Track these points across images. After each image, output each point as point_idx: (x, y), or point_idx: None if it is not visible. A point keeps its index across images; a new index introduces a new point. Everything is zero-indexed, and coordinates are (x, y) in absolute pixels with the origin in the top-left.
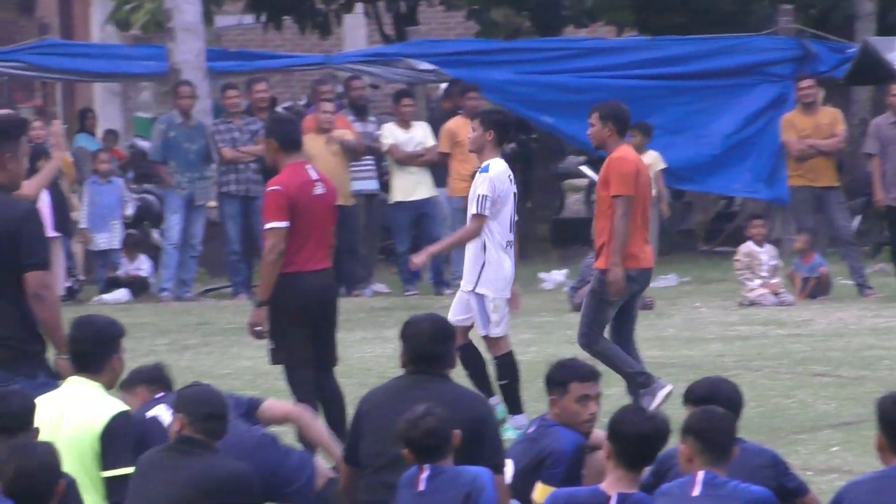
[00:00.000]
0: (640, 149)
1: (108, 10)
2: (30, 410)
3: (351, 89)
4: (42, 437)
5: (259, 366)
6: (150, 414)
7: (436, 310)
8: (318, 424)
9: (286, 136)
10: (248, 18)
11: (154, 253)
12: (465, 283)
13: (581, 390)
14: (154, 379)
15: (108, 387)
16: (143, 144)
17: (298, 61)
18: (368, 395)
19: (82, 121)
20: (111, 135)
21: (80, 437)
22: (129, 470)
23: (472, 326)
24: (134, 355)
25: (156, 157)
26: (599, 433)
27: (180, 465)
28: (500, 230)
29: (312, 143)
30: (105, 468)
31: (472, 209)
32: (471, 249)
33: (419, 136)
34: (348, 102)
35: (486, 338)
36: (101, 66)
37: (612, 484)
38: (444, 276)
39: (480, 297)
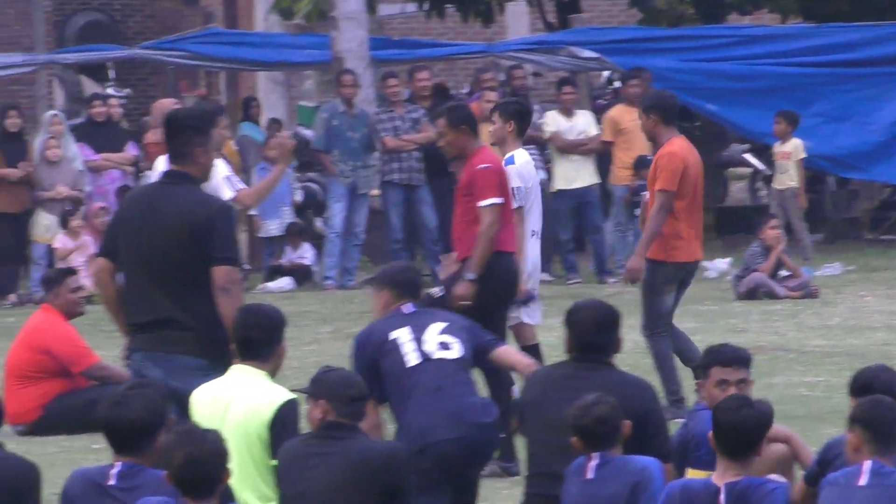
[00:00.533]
0: (785, 136)
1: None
2: (164, 400)
3: (513, 78)
4: (208, 424)
5: None
6: (392, 335)
7: (599, 298)
8: None
9: (468, 120)
10: (411, 7)
11: (317, 241)
12: None
13: (720, 375)
14: (402, 285)
15: (272, 375)
16: (307, 133)
17: (461, 49)
18: (532, 381)
19: (246, 110)
20: (275, 123)
21: (247, 425)
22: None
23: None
24: (297, 343)
25: (319, 145)
26: (779, 428)
27: (332, 451)
28: (526, 220)
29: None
30: (273, 456)
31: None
32: None
33: (581, 124)
34: (510, 91)
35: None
36: (265, 55)
37: (720, 475)
38: (607, 264)
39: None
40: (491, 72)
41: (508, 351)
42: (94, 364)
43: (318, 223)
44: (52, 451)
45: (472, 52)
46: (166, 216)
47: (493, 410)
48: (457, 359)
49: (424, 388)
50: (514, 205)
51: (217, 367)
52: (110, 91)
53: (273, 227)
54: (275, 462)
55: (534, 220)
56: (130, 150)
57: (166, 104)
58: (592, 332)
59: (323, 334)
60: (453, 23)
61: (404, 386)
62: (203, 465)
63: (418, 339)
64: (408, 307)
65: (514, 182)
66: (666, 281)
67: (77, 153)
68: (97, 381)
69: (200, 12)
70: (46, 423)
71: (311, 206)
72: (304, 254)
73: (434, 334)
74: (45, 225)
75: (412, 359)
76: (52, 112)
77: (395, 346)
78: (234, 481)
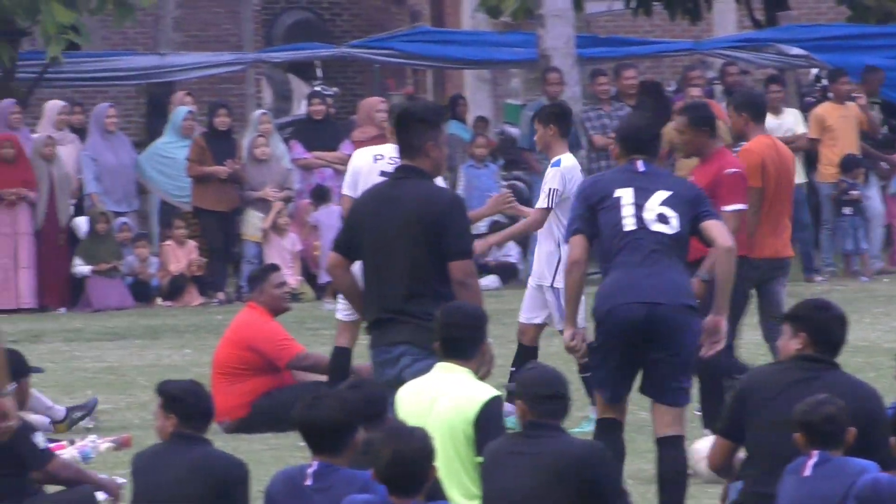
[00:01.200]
0: None
1: None
2: (384, 398)
3: (726, 75)
4: (413, 422)
5: None
6: (616, 193)
7: (806, 297)
8: None
9: (709, 121)
10: (618, 4)
11: (523, 240)
12: (540, 279)
13: None
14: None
15: (476, 372)
16: (512, 131)
17: (668, 47)
18: (753, 376)
19: (453, 108)
20: (481, 121)
21: (453, 422)
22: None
23: (543, 326)
24: (502, 341)
25: (524, 143)
26: None
27: (533, 451)
28: (558, 224)
29: None
30: (478, 453)
31: (541, 202)
32: (543, 245)
33: (789, 122)
34: (722, 88)
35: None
36: (472, 53)
37: None
38: (814, 262)
39: (557, 291)
40: (698, 69)
41: (717, 226)
42: (298, 354)
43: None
44: (259, 448)
45: (679, 50)
46: (401, 211)
47: (690, 294)
48: (672, 234)
49: (632, 255)
50: (546, 204)
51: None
52: (319, 88)
53: (480, 225)
54: (480, 459)
55: None
56: (344, 149)
57: (373, 102)
58: (838, 332)
59: None
60: (660, 20)
61: (613, 247)
62: (410, 462)
63: (639, 206)
64: (640, 165)
65: (554, 183)
66: (742, 277)
67: (284, 151)
68: (304, 370)
69: (408, 10)
70: (253, 420)
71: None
72: (510, 252)
73: (655, 204)
74: (254, 224)
75: (629, 223)
76: (260, 111)
77: (615, 205)
78: (441, 478)
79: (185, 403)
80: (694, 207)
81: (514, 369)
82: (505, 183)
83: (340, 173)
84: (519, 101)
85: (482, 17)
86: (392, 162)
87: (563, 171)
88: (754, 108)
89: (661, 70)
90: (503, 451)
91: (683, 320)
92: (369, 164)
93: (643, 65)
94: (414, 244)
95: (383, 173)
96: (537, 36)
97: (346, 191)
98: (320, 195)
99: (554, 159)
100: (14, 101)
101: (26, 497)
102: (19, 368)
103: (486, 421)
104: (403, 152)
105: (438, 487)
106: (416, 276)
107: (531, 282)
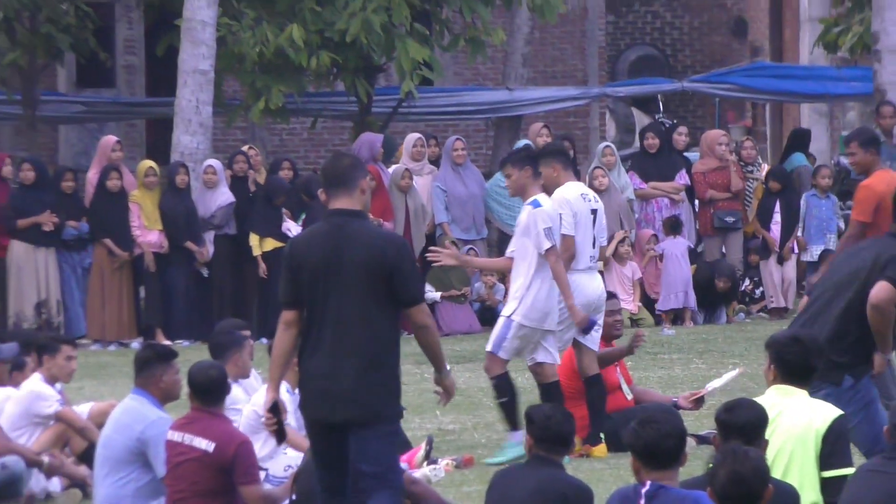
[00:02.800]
0: None
1: (817, 32)
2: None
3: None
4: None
5: None
6: None
7: None
8: None
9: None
10: None
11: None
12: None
13: None
14: None
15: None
16: (846, 163)
17: None
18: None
19: (797, 140)
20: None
21: (802, 438)
22: (849, 471)
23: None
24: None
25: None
26: None
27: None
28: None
29: None
30: (824, 468)
31: (544, 244)
32: (530, 283)
33: None
34: None
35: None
36: (809, 87)
37: None
38: None
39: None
40: None
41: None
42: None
43: None
44: (599, 467)
45: None
46: None
47: None
48: None
49: None
50: (547, 245)
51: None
52: (661, 119)
53: (816, 251)
54: (828, 474)
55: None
56: (679, 180)
57: (714, 136)
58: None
59: None
60: None
61: None
62: (746, 482)
63: None
64: None
65: (544, 224)
66: None
67: (628, 182)
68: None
69: (749, 46)
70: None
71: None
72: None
73: None
74: None
75: None
76: (604, 143)
77: None
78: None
79: (538, 426)
80: None
81: None
82: (840, 213)
83: (676, 203)
84: None
85: (820, 51)
86: (594, 200)
87: (547, 209)
88: (877, 146)
89: None
90: (867, 468)
91: None
92: (582, 204)
93: None
94: None
95: (593, 211)
96: (873, 70)
97: (568, 231)
98: (673, 226)
99: (530, 200)
100: (381, 136)
101: None
102: None
103: (835, 437)
104: None
105: None
106: None
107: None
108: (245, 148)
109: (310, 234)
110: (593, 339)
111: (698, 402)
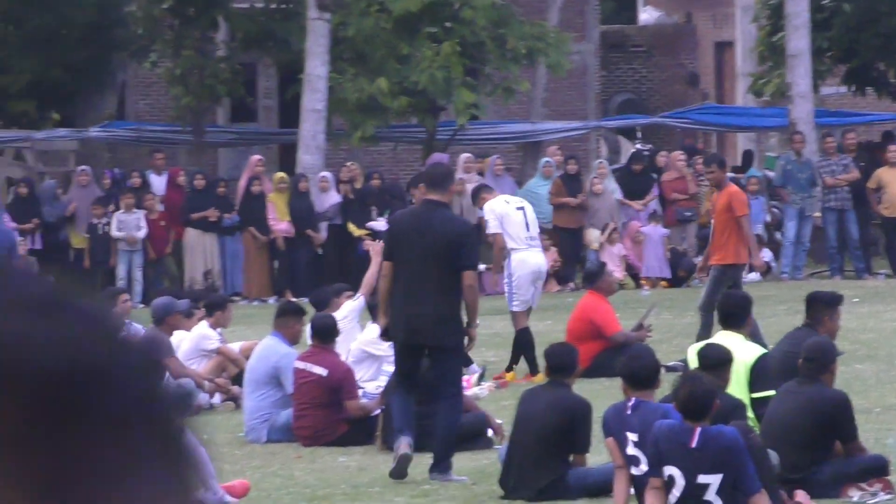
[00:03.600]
0: None
1: (748, 83)
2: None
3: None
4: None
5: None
6: None
7: None
8: None
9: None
10: (843, 88)
11: (775, 247)
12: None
13: None
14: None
15: (745, 335)
16: (769, 174)
17: (877, 118)
18: None
19: (747, 158)
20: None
21: (736, 370)
22: (771, 392)
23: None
24: (760, 317)
25: (778, 182)
26: None
27: (799, 391)
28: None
29: None
30: (753, 391)
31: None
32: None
33: None
34: None
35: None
36: (743, 121)
37: None
38: None
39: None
40: None
41: None
42: (617, 332)
43: (777, 235)
44: (598, 388)
45: (884, 120)
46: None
47: None
48: None
49: None
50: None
51: None
52: (638, 146)
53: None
54: (755, 395)
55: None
56: (655, 191)
57: (675, 156)
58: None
59: (779, 311)
60: (872, 99)
61: None
62: (699, 398)
63: None
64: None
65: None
66: None
67: (615, 188)
68: (622, 344)
69: (700, 92)
70: (591, 371)
71: (774, 224)
72: (765, 256)
73: None
74: (594, 236)
75: None
76: (598, 160)
77: None
78: None
79: (550, 358)
80: None
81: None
82: (767, 209)
83: (646, 206)
84: (775, 153)
85: (750, 97)
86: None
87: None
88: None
89: (872, 135)
90: (787, 389)
91: None
92: (505, 207)
93: (860, 129)
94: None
95: (519, 209)
96: (788, 110)
97: (494, 230)
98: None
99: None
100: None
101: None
102: None
103: (760, 368)
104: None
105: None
106: None
107: None
108: (348, 164)
109: (409, 213)
110: (520, 304)
111: (640, 328)
